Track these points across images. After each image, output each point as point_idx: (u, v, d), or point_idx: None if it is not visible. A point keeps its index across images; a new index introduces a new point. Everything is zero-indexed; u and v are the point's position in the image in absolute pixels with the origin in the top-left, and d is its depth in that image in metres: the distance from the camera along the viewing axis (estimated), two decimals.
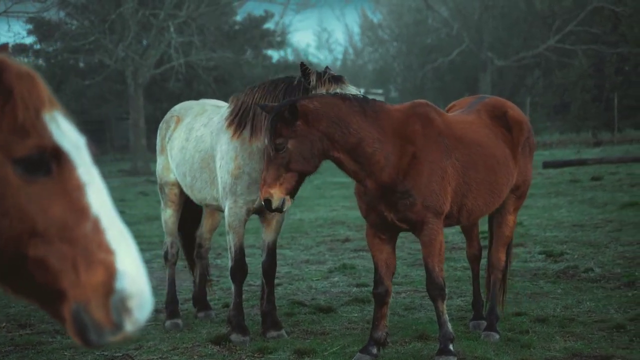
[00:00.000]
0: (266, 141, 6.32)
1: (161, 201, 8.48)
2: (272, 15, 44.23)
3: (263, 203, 6.31)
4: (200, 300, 8.53)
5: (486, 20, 47.37)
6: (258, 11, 44.11)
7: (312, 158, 6.24)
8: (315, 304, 8.63)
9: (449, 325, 6.60)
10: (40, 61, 40.83)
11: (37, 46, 39.91)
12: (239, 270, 7.54)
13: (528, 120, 7.50)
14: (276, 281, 9.97)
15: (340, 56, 66.96)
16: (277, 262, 11.30)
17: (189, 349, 7.24)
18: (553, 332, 7.19)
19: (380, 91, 51.36)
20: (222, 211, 7.67)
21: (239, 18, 44.54)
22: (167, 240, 8.41)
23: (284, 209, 6.36)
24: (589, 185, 18.25)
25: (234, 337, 7.35)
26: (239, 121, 7.28)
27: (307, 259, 11.64)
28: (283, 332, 7.54)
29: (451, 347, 6.52)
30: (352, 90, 6.94)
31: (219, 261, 11.69)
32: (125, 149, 41.28)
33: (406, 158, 6.37)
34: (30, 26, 38.33)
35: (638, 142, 31.92)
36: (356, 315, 8.23)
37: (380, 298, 6.72)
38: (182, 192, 8.27)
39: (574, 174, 20.79)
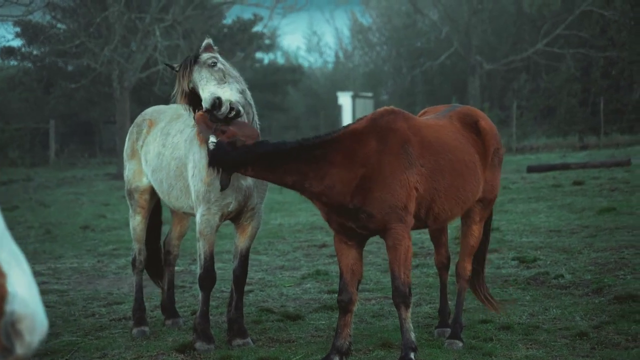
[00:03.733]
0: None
1: (130, 207, 8.41)
2: (261, 19, 44.18)
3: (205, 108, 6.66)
4: (168, 308, 8.52)
5: (475, 24, 47.43)
6: (247, 15, 44.12)
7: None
8: (284, 311, 8.64)
9: (412, 334, 6.59)
10: (29, 64, 40.81)
11: (25, 49, 39.84)
12: (208, 278, 7.52)
13: (497, 132, 7.47)
14: (248, 287, 10.02)
15: (330, 59, 67.01)
16: (252, 267, 11.39)
17: (154, 357, 7.24)
18: (516, 340, 7.22)
19: (370, 94, 51.40)
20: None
21: (228, 21, 44.51)
22: (135, 247, 8.40)
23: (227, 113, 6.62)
24: (570, 190, 18.28)
25: (198, 345, 7.35)
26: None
27: (282, 265, 11.65)
28: (249, 340, 7.53)
29: (412, 356, 6.52)
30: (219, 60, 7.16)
31: (193, 267, 11.68)
32: (114, 152, 41.17)
33: (354, 181, 6.35)
34: (18, 29, 38.28)
35: (624, 146, 32.00)
36: (324, 322, 8.24)
37: (344, 306, 6.72)
38: (152, 198, 8.26)
39: (557, 178, 20.84)
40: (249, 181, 7.33)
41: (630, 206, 15.00)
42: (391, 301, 8.89)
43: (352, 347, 6.84)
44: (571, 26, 43.37)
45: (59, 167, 35.49)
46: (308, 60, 66.81)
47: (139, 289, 8.34)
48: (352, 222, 6.48)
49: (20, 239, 15.22)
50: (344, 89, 52.23)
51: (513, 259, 10.93)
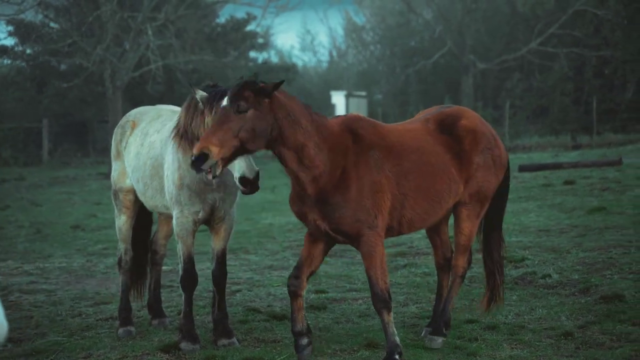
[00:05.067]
0: (226, 101, 6.33)
1: (115, 208, 8.42)
2: (254, 18, 44.16)
3: (193, 158, 6.17)
4: (154, 308, 8.52)
5: (468, 23, 47.47)
6: (240, 14, 44.09)
7: (260, 139, 6.34)
8: (271, 311, 8.64)
9: (396, 338, 6.64)
10: (22, 63, 40.73)
11: (18, 48, 39.76)
12: (189, 279, 7.55)
13: (489, 132, 7.34)
14: (235, 287, 10.04)
15: (323, 58, 66.98)
16: (241, 267, 11.41)
17: (138, 357, 7.24)
18: (501, 340, 7.23)
19: (363, 93, 51.39)
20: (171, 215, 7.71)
21: (221, 20, 44.48)
22: (121, 246, 8.39)
23: (215, 173, 6.24)
24: (561, 189, 18.30)
25: (183, 345, 7.35)
26: (183, 133, 7.28)
27: (271, 265, 11.65)
28: (234, 339, 7.54)
29: (397, 357, 6.57)
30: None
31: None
32: (107, 151, 40.93)
33: (338, 170, 6.52)
34: (11, 28, 38.20)
35: (616, 145, 32.03)
36: (310, 322, 8.15)
37: (294, 290, 6.83)
38: (136, 198, 8.26)
39: (548, 177, 20.86)
40: (214, 194, 7.35)
41: (620, 206, 15.02)
42: None
43: (311, 326, 7.08)
44: (565, 25, 43.43)
45: (52, 166, 35.42)
46: (302, 59, 66.75)
47: (125, 288, 8.34)
48: (327, 222, 6.54)
49: (10, 239, 15.20)
50: (337, 88, 52.23)
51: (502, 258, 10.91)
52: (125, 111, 35.35)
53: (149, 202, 7.93)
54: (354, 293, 9.46)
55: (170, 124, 7.74)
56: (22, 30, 36.94)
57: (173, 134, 7.35)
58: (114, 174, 8.38)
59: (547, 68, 44.14)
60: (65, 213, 19.57)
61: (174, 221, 7.44)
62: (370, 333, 7.56)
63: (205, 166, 6.16)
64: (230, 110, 6.26)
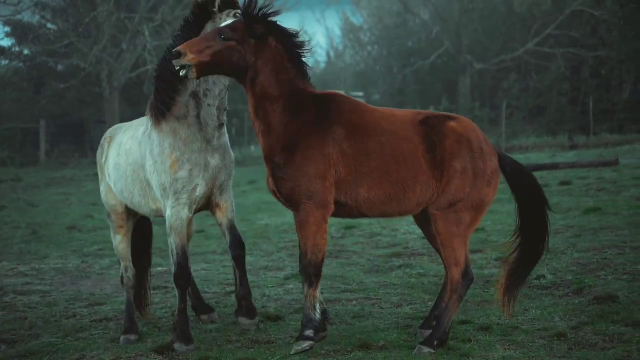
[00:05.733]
0: (224, 24, 6.94)
1: (110, 227, 8.48)
2: None
3: (174, 52, 6.75)
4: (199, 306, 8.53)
5: (465, 23, 47.51)
6: None
7: (232, 70, 6.91)
8: (265, 312, 8.63)
9: (314, 313, 6.92)
10: (20, 64, 40.71)
11: (16, 49, 39.75)
12: (182, 276, 7.54)
13: (478, 142, 7.08)
14: (230, 288, 10.05)
15: (321, 59, 66.96)
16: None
17: (132, 358, 7.25)
18: (494, 341, 7.24)
19: (361, 94, 51.37)
20: (162, 217, 7.74)
21: None
22: (122, 265, 8.37)
23: (186, 75, 6.77)
24: (557, 190, 18.31)
25: (177, 346, 7.35)
26: (163, 101, 7.45)
27: (266, 266, 11.65)
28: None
29: (309, 333, 6.90)
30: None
31: None
32: None
33: (290, 134, 6.87)
34: (8, 29, 38.19)
35: (613, 145, 32.05)
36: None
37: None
38: (129, 215, 8.26)
39: (545, 178, 20.85)
40: (216, 160, 7.43)
41: (615, 206, 15.03)
42: (372, 302, 9.02)
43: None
44: (562, 26, 43.48)
45: (49, 167, 35.38)
46: None
47: (129, 306, 8.20)
48: (273, 182, 6.98)
49: (6, 240, 15.19)
50: (335, 88, 52.13)
51: (496, 260, 10.96)
52: (122, 112, 35.53)
53: (137, 208, 8.02)
54: (348, 294, 9.47)
55: (143, 128, 7.86)
56: (19, 31, 36.93)
57: (149, 107, 7.56)
58: (102, 196, 8.42)
59: (544, 68, 44.19)
60: (61, 214, 19.56)
61: (167, 214, 7.45)
62: (364, 334, 7.57)
63: (178, 63, 6.75)
64: (218, 33, 6.83)
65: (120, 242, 8.32)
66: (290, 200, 6.90)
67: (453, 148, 7.00)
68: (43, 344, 7.83)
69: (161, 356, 7.25)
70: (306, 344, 6.94)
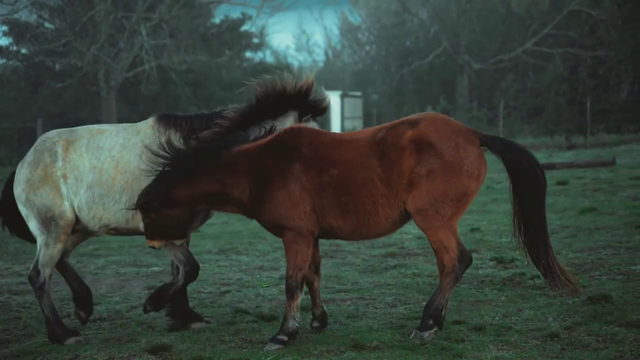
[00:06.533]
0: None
1: (47, 238, 7.97)
2: (249, 18, 44.17)
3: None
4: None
5: (463, 23, 47.55)
6: (235, 14, 44.07)
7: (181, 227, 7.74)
8: (259, 312, 8.64)
9: (292, 323, 7.34)
10: (17, 63, 40.68)
11: (13, 48, 39.73)
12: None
13: (441, 139, 7.13)
14: (225, 288, 10.08)
15: (319, 58, 67.00)
16: (231, 268, 11.40)
17: (125, 358, 7.24)
18: (487, 341, 7.23)
19: (359, 94, 51.38)
20: (127, 233, 8.12)
21: (216, 21, 44.46)
22: (46, 272, 8.01)
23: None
24: (553, 190, 18.31)
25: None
26: None
27: (261, 265, 11.66)
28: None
29: (282, 337, 7.28)
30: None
31: None
32: None
33: (256, 189, 7.33)
34: (5, 28, 38.17)
35: (610, 145, 32.08)
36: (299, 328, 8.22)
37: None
38: (76, 222, 8.04)
39: None
40: None
41: (611, 206, 15.05)
42: (366, 301, 9.03)
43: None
44: (559, 26, 43.53)
45: None
46: (297, 59, 66.74)
47: (54, 311, 8.05)
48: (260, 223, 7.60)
49: (1, 239, 15.16)
50: (333, 88, 52.18)
51: (491, 259, 10.96)
52: (119, 111, 35.46)
53: (105, 216, 7.93)
54: (342, 294, 9.47)
55: (136, 139, 7.96)
56: (16, 30, 36.91)
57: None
58: (44, 202, 7.93)
59: (542, 68, 44.22)
60: None
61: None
62: (358, 334, 7.56)
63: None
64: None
65: (59, 251, 8.03)
66: (276, 233, 7.55)
67: (412, 157, 7.13)
68: (36, 343, 7.83)
69: (154, 356, 7.23)
70: (276, 347, 7.26)
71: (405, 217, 7.33)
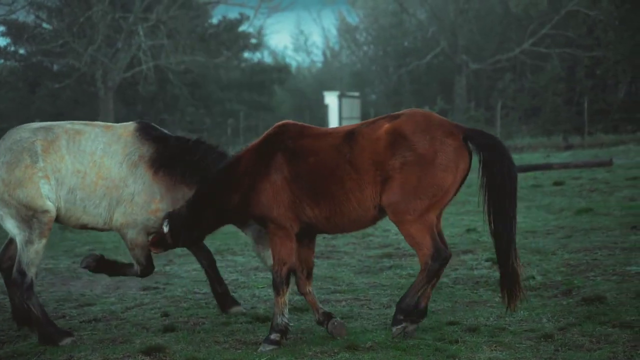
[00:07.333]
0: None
1: (30, 235, 7.91)
2: (247, 18, 44.19)
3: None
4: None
5: (461, 23, 47.57)
6: (233, 14, 44.08)
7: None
8: (254, 313, 8.65)
9: (282, 318, 7.41)
10: (15, 63, 40.66)
11: (11, 48, 39.71)
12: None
13: (415, 132, 7.13)
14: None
15: (317, 58, 67.00)
16: (227, 268, 11.40)
17: (120, 359, 7.24)
18: (482, 342, 7.24)
19: (357, 94, 51.37)
20: (101, 230, 8.36)
21: (214, 21, 44.46)
22: (32, 271, 7.99)
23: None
24: (550, 190, 18.33)
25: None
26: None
27: (257, 266, 11.64)
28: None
29: (274, 336, 7.33)
30: None
31: (168, 268, 11.72)
32: None
33: (244, 187, 7.54)
34: (3, 28, 38.14)
35: (607, 146, 32.09)
36: (292, 324, 8.18)
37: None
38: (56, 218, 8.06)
39: (538, 178, 20.89)
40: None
41: (607, 207, 15.06)
42: (361, 302, 9.04)
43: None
44: (557, 26, 43.55)
45: None
46: (295, 59, 66.75)
47: (44, 312, 8.08)
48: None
49: None
50: (331, 88, 52.21)
51: (486, 260, 10.96)
52: (117, 112, 35.44)
53: (84, 217, 8.13)
54: (337, 295, 9.47)
55: (117, 147, 8.14)
56: (14, 30, 36.91)
57: (148, 167, 8.19)
58: (23, 202, 7.85)
59: (540, 68, 44.25)
60: None
61: (128, 241, 8.25)
62: (352, 335, 7.57)
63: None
64: None
65: (43, 246, 7.99)
66: (259, 224, 7.78)
67: (387, 149, 7.16)
68: (31, 344, 7.84)
69: (148, 357, 7.24)
70: (270, 347, 7.30)
71: (383, 211, 7.31)
